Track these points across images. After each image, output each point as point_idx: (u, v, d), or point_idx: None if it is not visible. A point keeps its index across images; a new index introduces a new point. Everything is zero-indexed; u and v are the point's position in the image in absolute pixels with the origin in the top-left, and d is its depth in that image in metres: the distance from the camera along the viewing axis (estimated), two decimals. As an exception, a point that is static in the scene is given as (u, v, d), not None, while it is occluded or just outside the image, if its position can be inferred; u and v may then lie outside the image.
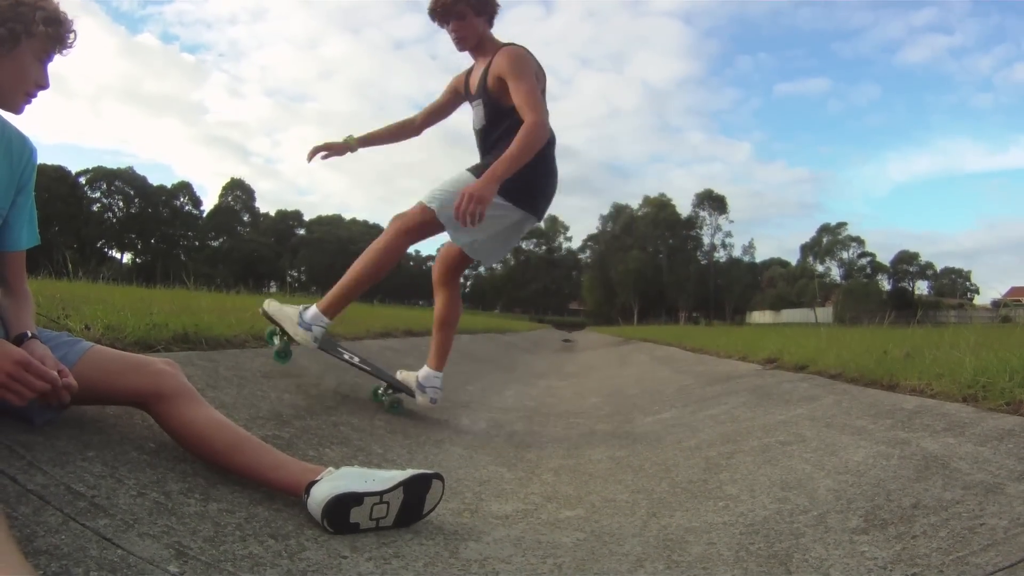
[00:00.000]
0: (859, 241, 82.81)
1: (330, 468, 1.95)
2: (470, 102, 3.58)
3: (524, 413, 4.43)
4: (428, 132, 3.89)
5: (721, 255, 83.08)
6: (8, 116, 1.85)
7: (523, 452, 3.16)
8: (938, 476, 1.93)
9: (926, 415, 2.61)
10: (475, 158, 3.55)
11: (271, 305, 3.43)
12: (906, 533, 1.62)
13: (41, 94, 1.85)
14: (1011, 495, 1.69)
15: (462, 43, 3.48)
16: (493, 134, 3.42)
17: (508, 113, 3.27)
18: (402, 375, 3.89)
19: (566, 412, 4.46)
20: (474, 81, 3.49)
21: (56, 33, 1.79)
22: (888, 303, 50.30)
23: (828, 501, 1.95)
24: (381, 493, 1.88)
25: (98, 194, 78.81)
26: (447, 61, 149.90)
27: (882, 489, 1.94)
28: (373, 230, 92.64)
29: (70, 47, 1.86)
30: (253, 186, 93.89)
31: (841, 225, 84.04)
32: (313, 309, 3.33)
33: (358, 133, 3.80)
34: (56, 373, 1.65)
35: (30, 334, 1.79)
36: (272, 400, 3.03)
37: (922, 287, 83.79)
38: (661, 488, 2.40)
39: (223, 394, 2.81)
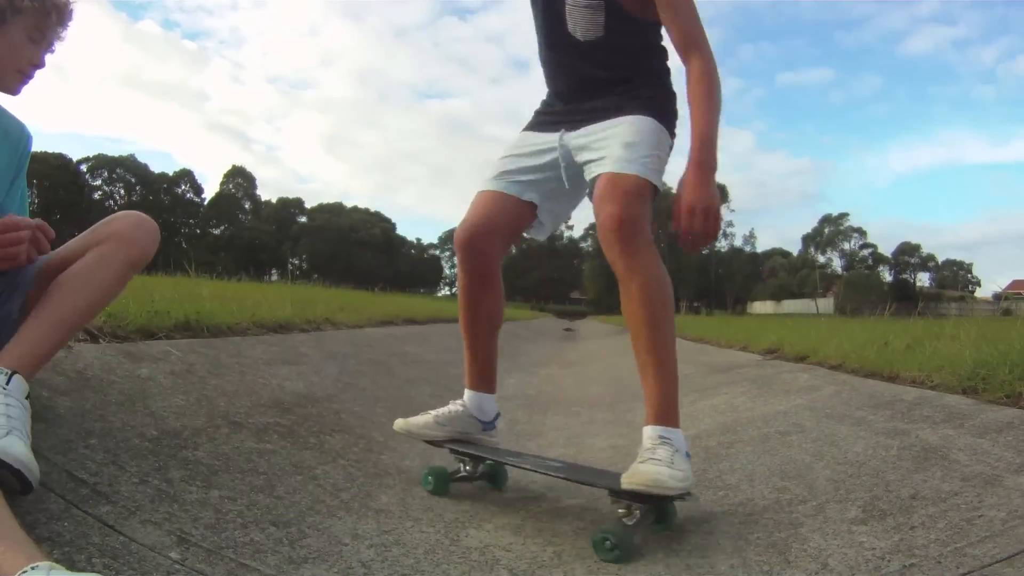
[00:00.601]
0: (861, 232, 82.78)
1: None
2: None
3: (525, 401, 4.44)
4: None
5: (722, 245, 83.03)
6: (6, 101, 1.84)
7: (524, 441, 3.16)
8: (937, 467, 1.93)
9: (926, 406, 2.62)
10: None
11: (650, 472, 1.81)
12: (904, 524, 1.63)
13: (43, 82, 1.83)
14: (1009, 487, 1.69)
15: None
16: (618, 52, 2.25)
17: (643, 27, 2.21)
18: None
19: (567, 401, 4.47)
20: None
21: (43, 7, 1.74)
22: (889, 294, 50.25)
23: (827, 491, 1.95)
24: None
25: (99, 182, 78.88)
26: (449, 49, 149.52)
27: (881, 480, 1.94)
28: (374, 217, 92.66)
29: (65, 24, 1.81)
30: (254, 173, 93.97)
31: (843, 216, 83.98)
32: (670, 431, 2.00)
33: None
34: (32, 221, 1.65)
35: None
36: (273, 387, 3.04)
37: (923, 279, 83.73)
38: (661, 477, 2.41)
39: (225, 381, 2.82)
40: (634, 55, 2.24)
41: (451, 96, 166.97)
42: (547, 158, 2.27)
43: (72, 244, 1.83)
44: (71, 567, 1.29)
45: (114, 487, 1.66)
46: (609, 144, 2.12)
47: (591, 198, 2.16)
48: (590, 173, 2.15)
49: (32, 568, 1.07)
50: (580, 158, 2.20)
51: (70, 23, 1.82)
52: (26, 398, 1.53)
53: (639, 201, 2.02)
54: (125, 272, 1.80)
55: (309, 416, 2.81)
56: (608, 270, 2.11)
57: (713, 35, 2.14)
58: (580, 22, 2.24)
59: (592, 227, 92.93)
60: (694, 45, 2.13)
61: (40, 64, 1.79)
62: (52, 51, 1.82)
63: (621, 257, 2.01)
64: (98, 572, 1.31)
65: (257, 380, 3.06)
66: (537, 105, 2.46)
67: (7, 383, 1.49)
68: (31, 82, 1.81)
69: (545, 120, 2.36)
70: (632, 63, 2.23)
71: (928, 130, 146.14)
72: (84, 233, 1.85)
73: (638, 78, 2.24)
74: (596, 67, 2.27)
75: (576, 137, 2.20)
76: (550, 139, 2.24)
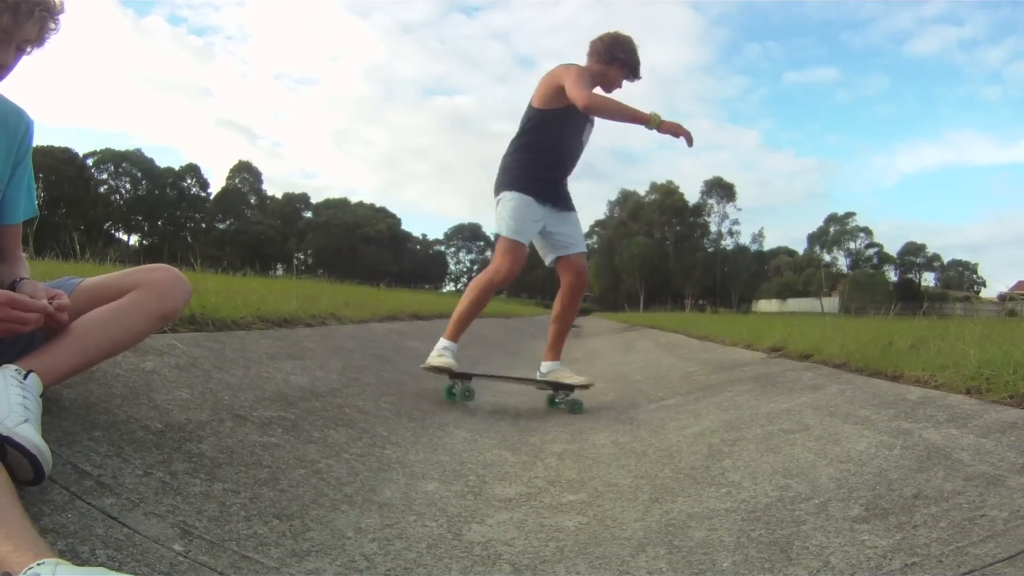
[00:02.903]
0: (867, 231, 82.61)
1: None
2: (587, 119, 4.06)
3: (529, 397, 4.44)
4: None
5: (728, 243, 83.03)
6: (5, 88, 1.83)
7: (527, 436, 3.17)
8: (940, 467, 1.93)
9: (929, 406, 2.61)
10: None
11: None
12: (907, 523, 1.63)
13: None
14: (1012, 487, 1.69)
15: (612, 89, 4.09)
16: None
17: None
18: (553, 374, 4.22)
19: (570, 398, 4.47)
20: None
21: None
22: (894, 294, 50.06)
23: (830, 489, 1.95)
24: None
25: (105, 176, 78.95)
26: (455, 45, 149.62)
27: (884, 478, 1.94)
28: (380, 213, 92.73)
29: (20, 22, 1.66)
30: (260, 168, 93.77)
31: (849, 215, 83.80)
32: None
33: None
34: (45, 303, 1.68)
35: (21, 278, 1.82)
36: (278, 382, 3.05)
37: (929, 279, 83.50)
38: (664, 474, 2.41)
39: (229, 375, 2.83)
40: None
41: (457, 93, 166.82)
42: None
43: (111, 278, 1.93)
44: (75, 558, 1.30)
45: (118, 479, 1.67)
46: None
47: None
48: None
49: (39, 564, 1.08)
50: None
51: (41, 20, 1.71)
52: (40, 396, 1.58)
53: None
54: (155, 323, 1.94)
55: (313, 410, 2.82)
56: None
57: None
58: (587, 137, 4.18)
59: (597, 224, 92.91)
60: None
61: (4, 63, 1.69)
62: (27, 47, 1.72)
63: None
64: (103, 565, 1.32)
65: (261, 374, 3.06)
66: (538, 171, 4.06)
67: (24, 378, 1.55)
68: (8, 77, 1.74)
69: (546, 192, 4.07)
70: None
71: (935, 130, 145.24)
72: (123, 272, 1.96)
73: None
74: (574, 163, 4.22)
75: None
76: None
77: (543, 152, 4.04)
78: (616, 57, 4.01)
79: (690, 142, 3.79)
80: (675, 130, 3.78)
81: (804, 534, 1.69)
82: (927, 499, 1.74)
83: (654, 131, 3.77)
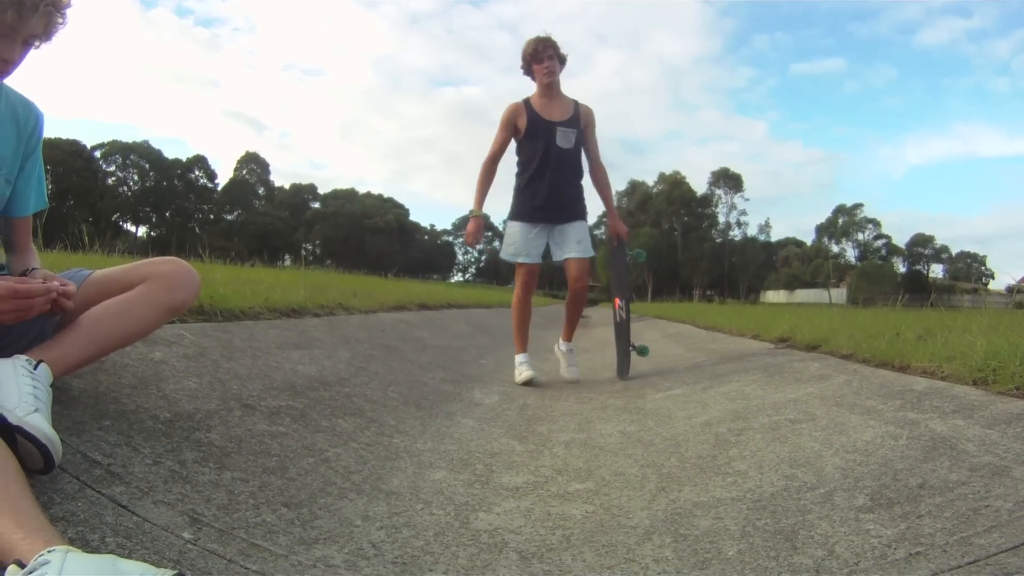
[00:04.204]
0: (875, 223, 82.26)
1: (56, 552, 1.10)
2: (550, 127, 4.61)
3: (536, 387, 4.45)
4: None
5: (736, 233, 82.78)
6: (14, 81, 1.83)
7: (534, 425, 3.18)
8: (945, 457, 1.93)
9: (936, 397, 2.61)
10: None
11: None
12: (911, 513, 1.63)
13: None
14: (1017, 478, 1.69)
15: (552, 76, 4.61)
16: (575, 158, 4.74)
17: (580, 147, 4.74)
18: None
19: (578, 386, 4.48)
20: (563, 113, 4.67)
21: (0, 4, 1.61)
22: (902, 285, 49.85)
23: (835, 479, 1.95)
24: None
25: (113, 167, 79.09)
26: (463, 36, 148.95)
27: (889, 469, 1.94)
28: (387, 204, 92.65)
29: (26, 19, 1.64)
30: (268, 159, 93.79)
31: (857, 206, 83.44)
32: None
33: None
34: (52, 284, 1.68)
35: (32, 268, 1.84)
36: (286, 371, 3.06)
37: (937, 270, 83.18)
38: (670, 463, 2.42)
39: (238, 365, 2.85)
40: (577, 163, 4.82)
41: (465, 83, 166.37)
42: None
43: (120, 270, 1.95)
44: (85, 546, 1.31)
45: (128, 468, 1.68)
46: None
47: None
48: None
49: (49, 552, 1.09)
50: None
51: (47, 15, 1.68)
52: (50, 386, 1.59)
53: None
54: (164, 315, 1.95)
55: (321, 399, 2.83)
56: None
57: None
58: (562, 139, 4.63)
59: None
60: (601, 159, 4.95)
61: (10, 59, 1.67)
62: (34, 42, 1.71)
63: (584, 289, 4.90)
64: (112, 552, 1.33)
65: (270, 363, 3.08)
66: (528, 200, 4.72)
67: (34, 368, 1.57)
68: (16, 71, 1.72)
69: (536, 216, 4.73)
70: (580, 168, 4.84)
71: (943, 122, 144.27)
72: (133, 264, 1.97)
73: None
74: (566, 166, 4.72)
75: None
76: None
77: (521, 176, 4.77)
78: (525, 69, 4.71)
79: (470, 242, 4.86)
80: (468, 230, 4.81)
81: (809, 523, 1.69)
82: (932, 489, 1.74)
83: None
